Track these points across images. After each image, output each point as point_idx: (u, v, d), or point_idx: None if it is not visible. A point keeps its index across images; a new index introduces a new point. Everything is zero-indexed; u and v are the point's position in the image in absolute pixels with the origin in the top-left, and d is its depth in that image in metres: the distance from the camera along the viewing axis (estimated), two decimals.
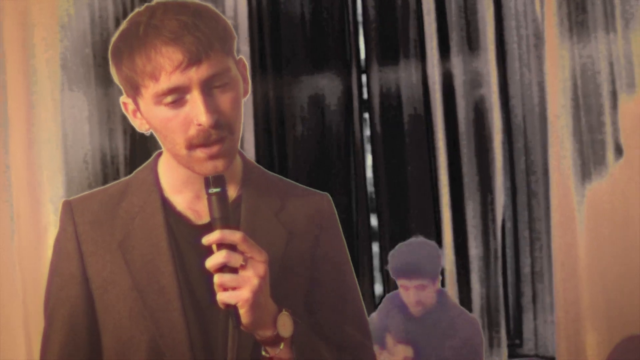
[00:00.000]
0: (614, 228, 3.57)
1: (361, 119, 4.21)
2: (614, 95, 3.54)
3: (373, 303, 4.14)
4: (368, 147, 4.25)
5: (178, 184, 1.36)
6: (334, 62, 4.20)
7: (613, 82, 3.54)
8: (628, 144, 3.49)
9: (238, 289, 1.22)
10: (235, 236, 1.23)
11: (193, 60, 1.23)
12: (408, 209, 4.18)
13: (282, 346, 1.26)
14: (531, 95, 4.04)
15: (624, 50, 3.49)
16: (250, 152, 4.08)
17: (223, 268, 1.22)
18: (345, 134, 4.20)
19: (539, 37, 3.86)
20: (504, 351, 4.03)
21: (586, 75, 3.65)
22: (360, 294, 1.46)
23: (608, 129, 3.58)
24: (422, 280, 3.37)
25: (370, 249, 4.24)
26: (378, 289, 4.28)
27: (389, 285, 4.13)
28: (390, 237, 4.17)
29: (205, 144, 1.26)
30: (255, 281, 1.21)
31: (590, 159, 3.66)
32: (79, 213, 1.39)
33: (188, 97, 1.25)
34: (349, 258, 1.45)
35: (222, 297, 1.22)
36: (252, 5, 4.09)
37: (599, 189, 3.63)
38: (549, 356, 3.99)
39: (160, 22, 1.24)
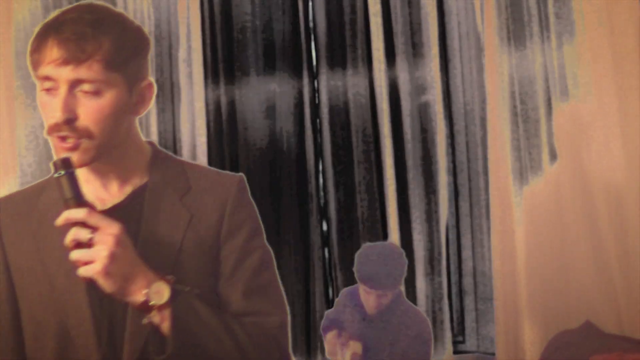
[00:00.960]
0: (549, 227, 3.70)
1: (314, 123, 4.28)
2: (548, 102, 3.69)
3: (327, 303, 4.23)
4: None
5: (87, 173, 1.50)
6: (286, 67, 4.27)
7: (548, 90, 3.68)
8: (561, 148, 3.63)
9: (91, 262, 1.33)
10: (80, 214, 1.34)
11: (67, 61, 1.38)
12: (356, 213, 4.25)
13: (153, 312, 1.36)
14: (472, 101, 4.19)
15: (557, 60, 3.63)
16: (202, 156, 4.14)
17: (79, 245, 1.33)
18: (298, 140, 4.27)
19: (479, 46, 3.99)
20: (449, 348, 4.15)
21: (523, 83, 3.80)
22: (272, 269, 1.57)
23: (543, 134, 3.73)
24: (385, 290, 3.43)
25: (323, 253, 4.31)
26: (330, 292, 4.33)
27: (337, 290, 4.21)
28: (339, 241, 4.25)
29: (58, 136, 1.42)
30: (104, 253, 1.32)
31: (527, 163, 3.81)
32: (3, 208, 1.54)
33: (59, 91, 1.41)
34: (260, 236, 1.56)
35: (80, 272, 1.34)
36: (205, 10, 4.14)
37: (535, 191, 3.77)
38: (490, 352, 4.11)
39: (66, 23, 1.41)
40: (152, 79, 1.53)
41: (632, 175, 3.21)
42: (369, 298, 3.46)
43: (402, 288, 4.08)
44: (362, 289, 3.48)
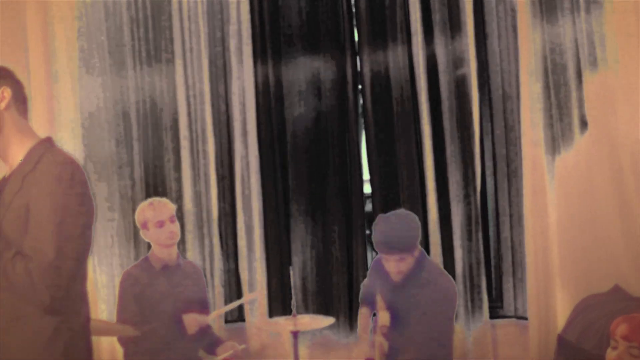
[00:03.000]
0: (580, 196, 3.81)
1: (355, 98, 4.47)
2: (579, 73, 3.77)
3: (365, 267, 4.45)
4: (361, 124, 4.52)
5: None
6: (329, 45, 4.46)
7: (578, 61, 3.76)
8: (592, 118, 3.72)
9: None
10: None
11: None
12: (397, 181, 4.44)
13: None
14: (508, 74, 4.30)
15: (586, 32, 3.71)
16: (252, 130, 4.40)
17: None
18: (340, 113, 4.47)
19: (514, 21, 4.10)
20: (486, 313, 4.30)
21: (555, 54, 3.89)
22: (77, 228, 2.29)
23: (574, 104, 3.82)
24: (400, 254, 3.56)
25: (364, 222, 4.51)
26: (369, 260, 4.51)
27: None
28: (382, 206, 4.44)
29: None
30: None
31: (558, 132, 3.91)
32: None
33: None
34: (71, 206, 2.26)
35: None
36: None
37: (566, 159, 3.88)
38: (525, 317, 4.24)
39: None
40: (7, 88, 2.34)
41: None
42: (389, 265, 3.61)
43: (440, 254, 4.26)
44: (383, 258, 3.64)
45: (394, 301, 3.67)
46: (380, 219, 3.64)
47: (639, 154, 3.43)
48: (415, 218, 3.63)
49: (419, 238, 3.64)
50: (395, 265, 3.60)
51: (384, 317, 3.63)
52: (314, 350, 4.43)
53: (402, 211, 3.78)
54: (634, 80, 3.37)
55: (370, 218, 4.48)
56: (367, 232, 4.49)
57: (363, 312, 3.90)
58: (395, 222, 3.59)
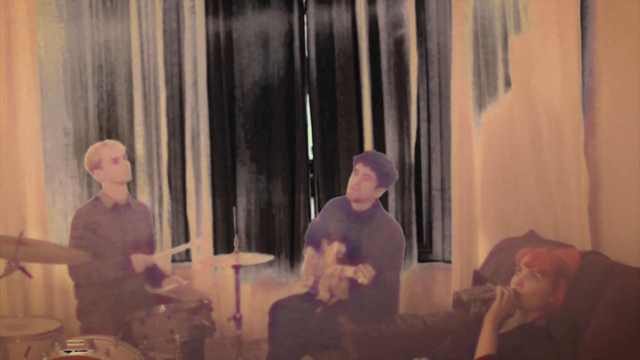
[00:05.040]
0: (502, 148, 4.15)
1: (302, 52, 4.71)
2: (505, 36, 4.09)
3: (307, 212, 4.76)
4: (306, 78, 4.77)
5: None
6: (278, 2, 4.68)
7: (505, 25, 4.08)
8: (514, 78, 4.05)
9: None
10: None
11: None
12: (336, 132, 4.73)
13: None
14: (442, 36, 4.61)
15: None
16: (202, 81, 4.63)
17: None
18: (286, 67, 4.72)
19: None
20: (415, 256, 4.65)
21: (484, 19, 4.21)
22: None
23: (500, 64, 4.15)
24: (371, 171, 3.95)
25: (307, 168, 4.80)
26: (312, 204, 4.85)
27: (320, 202, 4.73)
28: (322, 157, 4.73)
29: None
30: None
31: (485, 90, 4.24)
32: None
33: None
34: None
35: None
36: None
37: (491, 115, 4.21)
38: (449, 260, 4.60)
39: None
40: None
41: (568, 102, 3.60)
42: (355, 178, 3.98)
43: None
44: (352, 173, 4.00)
45: (349, 229, 4.01)
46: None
47: (554, 111, 3.75)
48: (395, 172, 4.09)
49: (391, 183, 4.06)
50: (359, 179, 3.96)
51: (339, 246, 3.98)
52: (256, 290, 4.72)
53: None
54: (552, 44, 3.69)
55: (312, 165, 4.78)
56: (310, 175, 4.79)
57: (308, 251, 4.20)
58: (382, 155, 4.09)
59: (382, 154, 4.19)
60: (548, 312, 2.95)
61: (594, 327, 2.86)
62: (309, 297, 4.10)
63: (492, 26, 4.15)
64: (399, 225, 4.13)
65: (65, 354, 3.27)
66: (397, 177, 4.14)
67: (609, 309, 2.88)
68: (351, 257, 3.94)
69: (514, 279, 2.99)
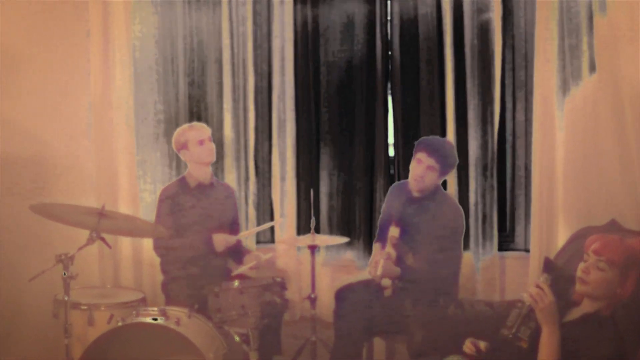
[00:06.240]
0: (584, 134, 4.03)
1: (385, 39, 4.72)
2: (590, 15, 3.96)
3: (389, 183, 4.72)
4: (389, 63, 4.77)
5: None
6: None
7: (590, 6, 3.95)
8: (600, 60, 3.91)
9: None
10: None
11: None
12: (418, 116, 4.71)
13: None
14: (529, 20, 4.50)
15: None
16: (289, 64, 4.72)
17: None
18: (369, 52, 4.74)
19: None
20: (495, 244, 4.56)
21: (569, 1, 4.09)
22: None
23: (585, 47, 4.02)
24: (435, 163, 3.92)
25: (386, 150, 4.81)
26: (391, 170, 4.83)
27: (399, 175, 4.74)
28: (403, 138, 4.73)
29: None
30: None
31: (569, 74, 4.12)
32: None
33: None
34: None
35: None
36: None
37: (575, 99, 4.09)
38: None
39: None
40: None
41: None
42: (418, 167, 3.94)
43: (456, 187, 4.54)
44: (414, 161, 3.97)
45: (407, 211, 4.00)
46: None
47: (639, 95, 3.61)
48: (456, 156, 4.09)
49: (452, 168, 4.06)
50: (422, 170, 3.92)
51: (394, 230, 3.98)
52: (335, 272, 4.78)
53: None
54: (637, 25, 3.54)
55: (395, 148, 4.77)
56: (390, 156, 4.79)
57: (376, 246, 4.26)
58: (445, 141, 4.07)
59: (444, 139, 4.12)
60: (615, 302, 2.85)
61: None
62: (374, 282, 4.12)
63: (577, 6, 4.02)
64: (460, 207, 4.09)
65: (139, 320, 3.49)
66: (457, 161, 4.10)
67: None
68: (410, 240, 3.93)
69: (581, 266, 2.91)
